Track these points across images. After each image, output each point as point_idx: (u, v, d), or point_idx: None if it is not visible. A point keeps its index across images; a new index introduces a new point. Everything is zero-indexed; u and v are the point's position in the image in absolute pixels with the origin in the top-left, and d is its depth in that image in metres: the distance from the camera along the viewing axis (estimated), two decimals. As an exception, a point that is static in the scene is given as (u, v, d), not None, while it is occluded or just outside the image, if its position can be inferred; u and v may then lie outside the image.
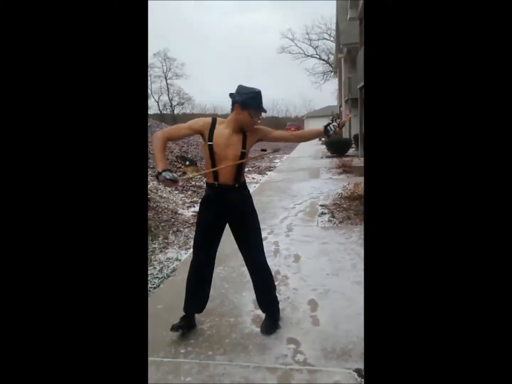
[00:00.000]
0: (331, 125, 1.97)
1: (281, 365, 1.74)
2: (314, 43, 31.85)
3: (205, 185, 7.10)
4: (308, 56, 32.24)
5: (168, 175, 1.76)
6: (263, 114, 2.00)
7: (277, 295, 2.48)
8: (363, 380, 1.59)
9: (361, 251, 3.24)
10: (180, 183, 1.97)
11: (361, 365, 1.68)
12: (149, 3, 1.23)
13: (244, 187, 2.02)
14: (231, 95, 1.91)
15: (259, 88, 1.94)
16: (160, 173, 1.77)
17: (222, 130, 1.88)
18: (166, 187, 1.85)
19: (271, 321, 2.06)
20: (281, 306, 2.33)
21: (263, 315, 2.21)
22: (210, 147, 1.87)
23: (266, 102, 2.00)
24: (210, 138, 1.87)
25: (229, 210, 1.98)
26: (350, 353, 1.79)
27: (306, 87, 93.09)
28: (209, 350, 1.89)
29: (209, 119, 1.93)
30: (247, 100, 1.84)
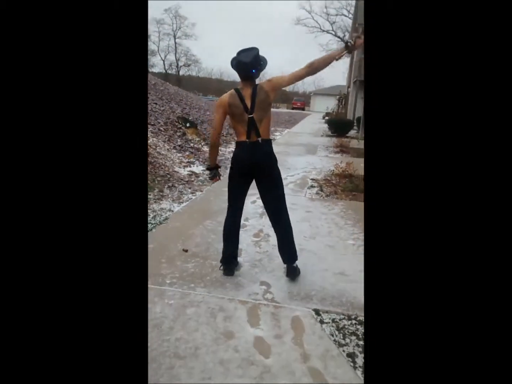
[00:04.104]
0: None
1: (252, 300, 2.02)
2: (332, 18, 30.90)
3: (204, 148, 7.29)
4: (323, 31, 31.36)
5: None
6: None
7: (258, 249, 2.77)
8: (319, 317, 1.89)
9: (339, 221, 3.51)
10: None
11: (319, 307, 1.97)
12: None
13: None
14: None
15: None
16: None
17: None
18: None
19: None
20: (259, 257, 2.61)
21: (242, 262, 2.49)
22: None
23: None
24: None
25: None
26: (312, 297, 2.08)
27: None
28: (191, 283, 2.17)
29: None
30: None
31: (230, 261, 2.33)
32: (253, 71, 2.07)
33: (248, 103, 2.09)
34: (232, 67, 2.13)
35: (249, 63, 2.04)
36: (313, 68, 2.07)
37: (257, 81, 2.19)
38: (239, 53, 2.09)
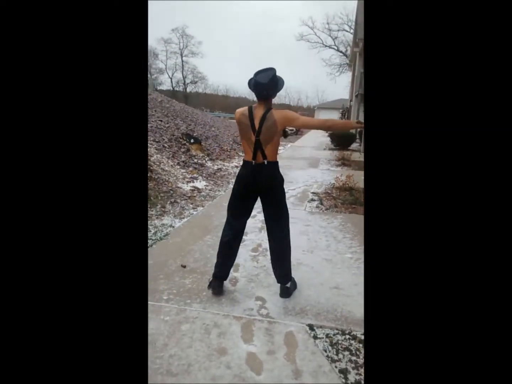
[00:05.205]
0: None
1: (247, 316, 2.04)
2: (334, 33, 31.42)
3: (207, 163, 7.33)
4: (326, 46, 31.84)
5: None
6: (274, 100, 2.22)
7: (255, 263, 2.79)
8: (313, 332, 1.89)
9: (338, 234, 3.52)
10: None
11: (313, 322, 1.98)
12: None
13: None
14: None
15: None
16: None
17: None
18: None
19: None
20: (256, 272, 2.63)
21: (239, 277, 2.52)
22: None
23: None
24: None
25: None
26: (306, 312, 2.09)
27: (320, 78, 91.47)
28: (188, 299, 2.20)
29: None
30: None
31: (219, 281, 2.30)
32: (265, 92, 2.08)
33: (257, 124, 2.08)
34: (249, 87, 2.15)
35: (266, 84, 2.06)
36: (327, 126, 2.27)
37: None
38: (257, 73, 2.10)
